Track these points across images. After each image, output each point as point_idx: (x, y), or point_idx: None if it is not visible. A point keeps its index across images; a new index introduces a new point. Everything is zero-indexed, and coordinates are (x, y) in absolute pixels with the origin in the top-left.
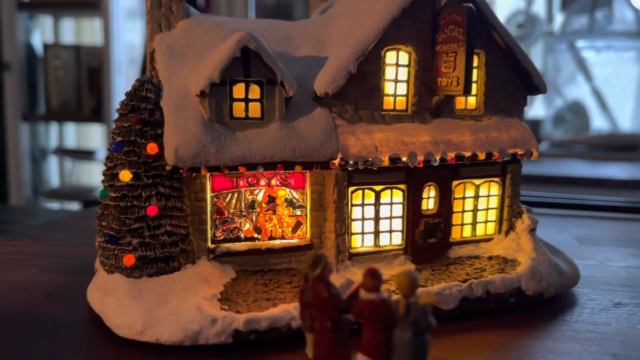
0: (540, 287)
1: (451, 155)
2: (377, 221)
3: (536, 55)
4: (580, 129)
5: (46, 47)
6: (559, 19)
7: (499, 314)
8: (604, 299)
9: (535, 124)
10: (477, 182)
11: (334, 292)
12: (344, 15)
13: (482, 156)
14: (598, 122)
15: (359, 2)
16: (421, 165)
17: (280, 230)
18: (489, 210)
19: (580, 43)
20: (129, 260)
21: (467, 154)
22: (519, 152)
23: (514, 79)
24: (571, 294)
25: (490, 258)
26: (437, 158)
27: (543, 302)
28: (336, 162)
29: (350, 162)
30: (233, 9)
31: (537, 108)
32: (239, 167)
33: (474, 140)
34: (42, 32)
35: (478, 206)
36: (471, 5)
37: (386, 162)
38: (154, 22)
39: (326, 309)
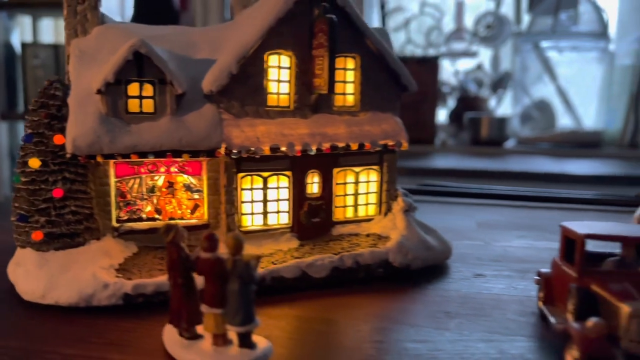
0: (407, 259)
1: (326, 145)
2: (265, 203)
3: (505, 55)
4: (546, 126)
5: (25, 46)
6: (526, 19)
7: (370, 282)
8: (468, 271)
9: (502, 122)
10: (357, 169)
11: (182, 254)
12: (242, 22)
13: (354, 146)
14: (563, 120)
15: (253, 11)
16: (300, 155)
17: (179, 211)
18: (370, 194)
19: (545, 43)
20: (37, 236)
21: (341, 144)
22: (390, 143)
23: (387, 80)
24: (444, 266)
25: (368, 235)
26: (314, 148)
27: (412, 272)
28: (221, 151)
29: (234, 151)
30: (209, 8)
31: (505, 106)
32: (131, 155)
33: (348, 132)
34: (21, 31)
35: (359, 190)
36: (333, 16)
37: (267, 151)
38: (70, 29)
39: (177, 267)
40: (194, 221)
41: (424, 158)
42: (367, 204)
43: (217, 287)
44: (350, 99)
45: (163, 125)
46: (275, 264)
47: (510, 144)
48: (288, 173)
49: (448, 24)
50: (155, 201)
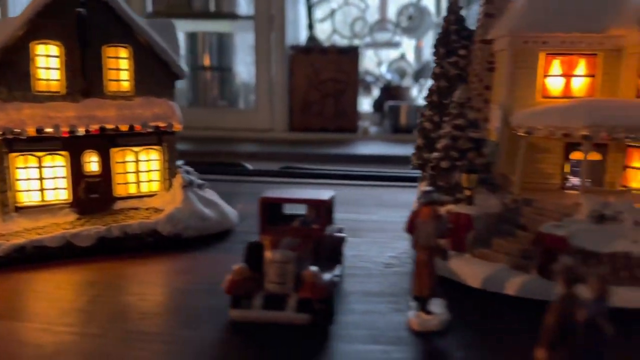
0: (177, 229)
1: (95, 127)
2: (42, 181)
3: (427, 45)
4: None
5: None
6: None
7: (142, 250)
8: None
9: (414, 110)
10: (136, 149)
11: None
12: (15, 17)
13: (124, 127)
14: None
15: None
16: (67, 135)
17: None
18: (152, 172)
19: None
20: None
21: (110, 126)
22: (161, 125)
23: (161, 68)
24: (233, 234)
25: (147, 209)
26: (81, 130)
27: (183, 240)
28: None
29: None
30: None
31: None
32: None
33: (119, 115)
34: None
35: (140, 168)
36: (82, 10)
37: (32, 132)
38: None
39: None
40: None
41: (345, 145)
42: (150, 181)
43: None
44: (125, 85)
45: None
46: (40, 234)
47: None
48: (64, 153)
49: (373, 15)
50: None
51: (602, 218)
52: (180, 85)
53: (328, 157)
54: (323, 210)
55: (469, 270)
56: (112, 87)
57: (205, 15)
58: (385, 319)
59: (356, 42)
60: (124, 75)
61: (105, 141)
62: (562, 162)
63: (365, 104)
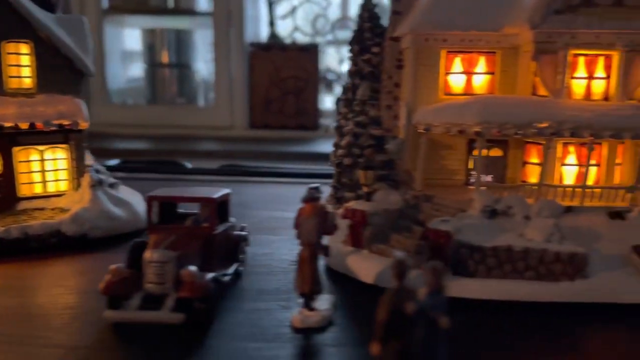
0: (83, 229)
1: None
2: None
3: None
4: None
5: None
6: None
7: (45, 251)
8: None
9: None
10: (41, 148)
11: None
12: None
13: (24, 125)
14: None
15: None
16: None
17: None
18: (59, 171)
19: None
20: None
21: (9, 124)
22: (66, 123)
23: (66, 65)
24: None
25: (53, 209)
26: None
27: (91, 240)
28: None
29: None
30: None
31: None
32: None
33: (19, 113)
34: None
35: (47, 167)
36: None
37: None
38: None
39: None
40: None
41: (306, 143)
42: (57, 180)
43: None
44: (27, 82)
45: None
46: None
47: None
48: None
49: (334, 12)
50: None
51: (493, 213)
52: (138, 82)
53: (288, 155)
54: (213, 208)
55: (364, 266)
56: (12, 84)
57: (163, 11)
58: (271, 317)
59: (318, 39)
60: (26, 71)
61: (6, 140)
62: (466, 159)
63: (327, 102)
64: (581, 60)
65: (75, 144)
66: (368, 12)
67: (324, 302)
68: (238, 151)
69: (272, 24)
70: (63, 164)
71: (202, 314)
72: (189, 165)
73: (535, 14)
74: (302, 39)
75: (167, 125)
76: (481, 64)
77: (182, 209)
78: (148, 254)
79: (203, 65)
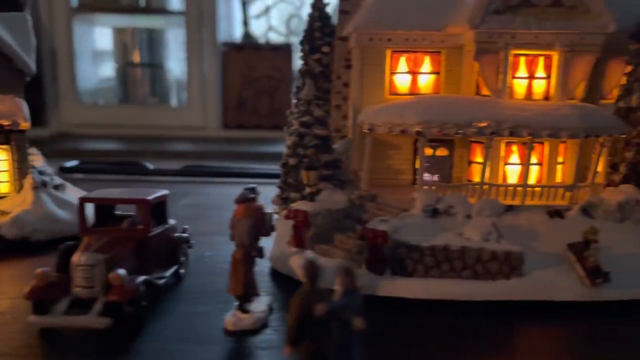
0: (24, 232)
1: None
2: None
3: None
4: None
5: None
6: None
7: None
8: None
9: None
10: None
11: None
12: None
13: None
14: None
15: None
16: None
17: None
18: (1, 172)
19: None
20: None
21: None
22: (5, 124)
23: (5, 63)
24: None
25: None
26: None
27: (33, 244)
28: None
29: None
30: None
31: None
32: None
33: None
34: None
35: None
36: None
37: None
38: None
39: None
40: None
41: (280, 143)
42: None
43: None
44: None
45: None
46: None
47: None
48: None
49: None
50: None
51: (435, 212)
52: (110, 82)
53: (262, 155)
54: (147, 210)
55: None
56: None
57: (134, 10)
58: (206, 320)
59: (292, 39)
60: None
61: None
62: (412, 158)
63: None
64: (522, 60)
65: (16, 144)
66: (318, 11)
67: (261, 303)
68: (211, 152)
69: (245, 23)
70: (3, 165)
71: (132, 317)
72: (150, 166)
73: (475, 13)
74: (276, 38)
75: (139, 126)
76: (426, 64)
77: (121, 210)
78: (76, 257)
79: (176, 64)
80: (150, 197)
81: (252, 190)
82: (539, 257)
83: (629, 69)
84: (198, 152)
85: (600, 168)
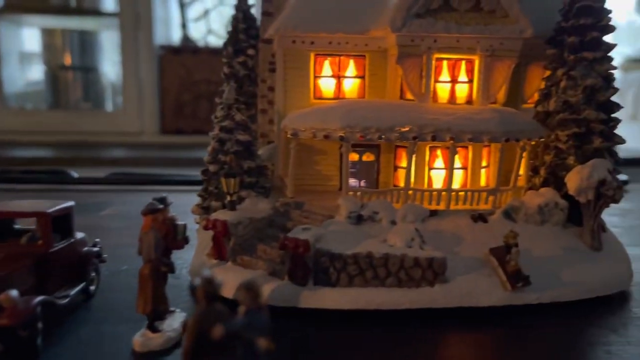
0: None
1: None
2: None
3: None
4: None
5: None
6: None
7: None
8: None
9: None
10: None
11: None
12: None
13: None
14: None
15: None
16: None
17: None
18: None
19: None
20: None
21: None
22: None
23: None
24: None
25: None
26: None
27: None
28: None
29: None
30: None
31: None
32: None
33: None
34: None
35: None
36: None
37: None
38: None
39: None
40: None
41: None
42: None
43: None
44: None
45: None
46: None
47: None
48: None
49: None
50: None
51: (359, 218)
52: (38, 86)
53: (201, 162)
54: (47, 223)
55: (226, 279)
56: None
57: (64, 10)
58: (113, 341)
59: None
60: None
61: None
62: (339, 164)
63: None
64: (445, 64)
65: None
66: (242, 12)
67: (175, 321)
68: (147, 158)
69: (184, 26)
70: None
71: (27, 342)
72: (74, 174)
73: (396, 17)
74: (216, 42)
75: (71, 132)
76: (351, 68)
77: (20, 224)
78: None
79: (110, 68)
80: (50, 210)
81: (162, 200)
82: (463, 262)
83: (547, 73)
84: (133, 159)
85: (521, 171)
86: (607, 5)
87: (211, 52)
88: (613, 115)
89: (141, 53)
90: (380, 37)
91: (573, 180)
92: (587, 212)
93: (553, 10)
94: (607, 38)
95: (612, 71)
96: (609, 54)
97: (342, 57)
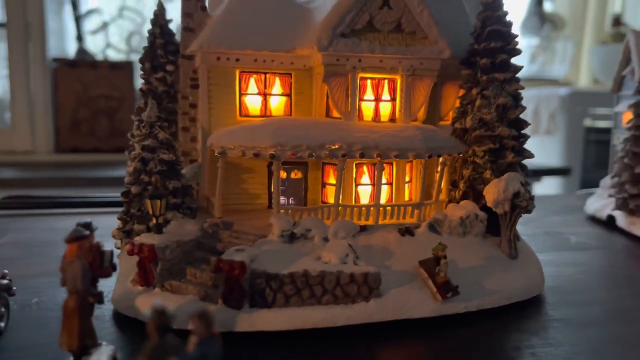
0: None
1: None
2: None
3: None
4: None
5: None
6: None
7: None
8: None
9: None
10: None
11: None
12: None
13: None
14: None
15: None
16: None
17: None
18: None
19: None
20: None
21: None
22: None
23: None
24: None
25: None
26: None
27: None
28: None
29: None
30: None
31: None
32: None
33: None
34: None
35: None
36: None
37: None
38: None
39: None
40: None
41: (124, 167)
42: None
43: None
44: None
45: None
46: None
47: None
48: None
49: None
50: None
51: (292, 237)
52: None
53: (103, 181)
54: None
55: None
56: None
57: None
58: None
59: (133, 56)
60: None
61: None
62: (267, 182)
63: None
64: (369, 83)
65: None
66: (160, 27)
67: (101, 355)
68: (40, 179)
69: (80, 38)
70: None
71: None
72: None
73: (322, 36)
74: (115, 56)
75: None
76: (277, 86)
77: None
78: None
79: None
80: None
81: (87, 225)
82: (395, 275)
83: (462, 92)
84: (24, 180)
85: (443, 185)
86: (514, 30)
87: (111, 67)
88: (522, 131)
89: (32, 66)
90: (306, 55)
91: (491, 193)
92: (504, 222)
93: (465, 33)
94: (514, 60)
95: (520, 91)
96: (517, 75)
97: (268, 75)
